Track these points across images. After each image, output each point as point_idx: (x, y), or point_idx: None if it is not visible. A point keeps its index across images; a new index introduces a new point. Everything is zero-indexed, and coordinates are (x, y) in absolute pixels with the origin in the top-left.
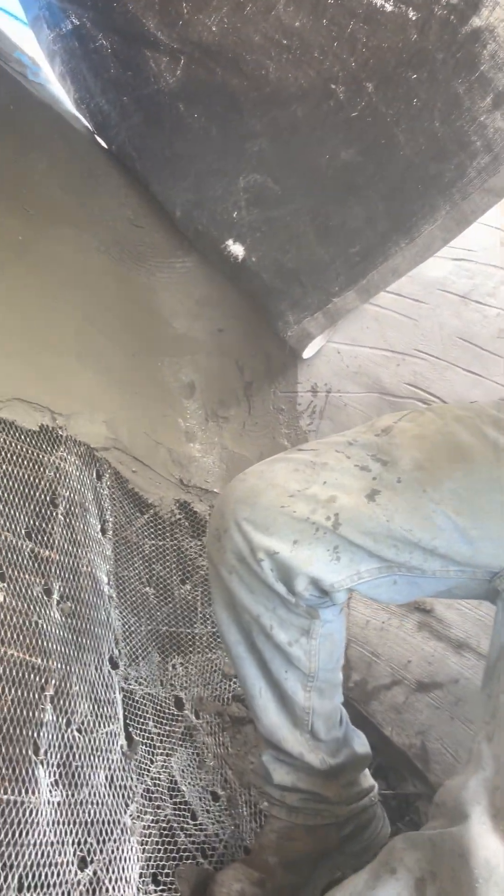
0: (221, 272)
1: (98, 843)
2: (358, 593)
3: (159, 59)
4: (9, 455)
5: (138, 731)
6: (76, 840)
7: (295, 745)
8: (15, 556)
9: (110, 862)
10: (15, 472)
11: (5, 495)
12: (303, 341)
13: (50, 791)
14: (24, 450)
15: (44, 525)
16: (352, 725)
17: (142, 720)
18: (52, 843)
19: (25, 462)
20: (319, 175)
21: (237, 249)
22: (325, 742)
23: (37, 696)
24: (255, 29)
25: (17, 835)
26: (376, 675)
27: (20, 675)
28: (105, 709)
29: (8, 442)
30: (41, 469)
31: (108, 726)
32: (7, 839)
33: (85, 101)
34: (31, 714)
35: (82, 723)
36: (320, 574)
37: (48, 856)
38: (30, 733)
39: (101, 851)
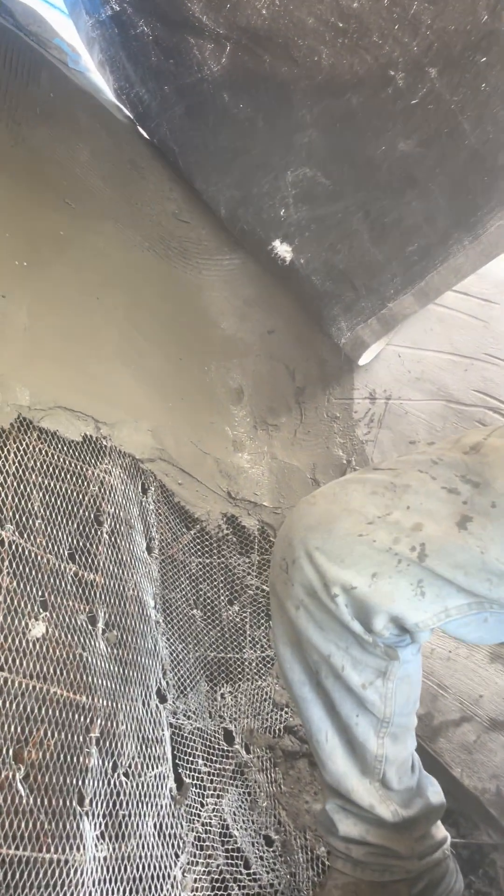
0: (270, 271)
1: None
2: (442, 632)
3: (203, 45)
4: (52, 469)
5: (188, 772)
6: None
7: (364, 795)
8: (58, 582)
9: None
10: (58, 487)
11: (48, 514)
12: (358, 349)
13: (95, 845)
14: (67, 462)
15: (88, 545)
16: (425, 772)
17: (191, 758)
18: None
19: (68, 476)
20: (374, 168)
21: (285, 250)
22: (398, 792)
23: (81, 738)
24: (308, 11)
25: None
26: (443, 709)
27: (64, 715)
28: (153, 748)
29: (50, 454)
30: (85, 484)
31: (157, 768)
32: None
33: (125, 90)
34: (75, 759)
35: (129, 766)
36: (402, 612)
37: None
38: (74, 781)
39: None
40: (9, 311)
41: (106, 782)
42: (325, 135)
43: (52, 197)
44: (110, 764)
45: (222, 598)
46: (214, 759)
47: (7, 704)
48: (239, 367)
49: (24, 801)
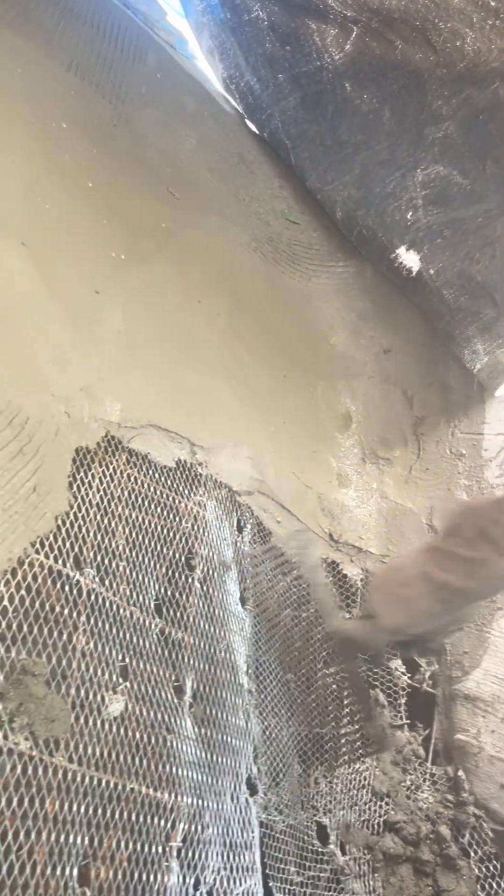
0: (390, 282)
1: None
2: None
3: (326, 31)
4: (140, 499)
5: (279, 884)
6: None
7: None
8: (142, 641)
9: None
10: (146, 522)
11: (134, 555)
12: (496, 377)
13: None
14: (158, 492)
15: (177, 595)
16: None
17: (282, 865)
18: None
19: (159, 509)
20: None
21: (411, 259)
22: None
23: (160, 849)
24: None
25: None
26: None
27: (142, 819)
28: (241, 857)
29: (140, 482)
30: (177, 519)
31: (245, 881)
32: None
33: (234, 79)
34: (151, 877)
35: (214, 882)
36: None
37: None
38: None
39: None
40: (102, 309)
41: None
42: (463, 128)
43: (155, 184)
44: (192, 881)
45: (318, 659)
46: (308, 863)
47: (74, 807)
48: (348, 390)
49: None
